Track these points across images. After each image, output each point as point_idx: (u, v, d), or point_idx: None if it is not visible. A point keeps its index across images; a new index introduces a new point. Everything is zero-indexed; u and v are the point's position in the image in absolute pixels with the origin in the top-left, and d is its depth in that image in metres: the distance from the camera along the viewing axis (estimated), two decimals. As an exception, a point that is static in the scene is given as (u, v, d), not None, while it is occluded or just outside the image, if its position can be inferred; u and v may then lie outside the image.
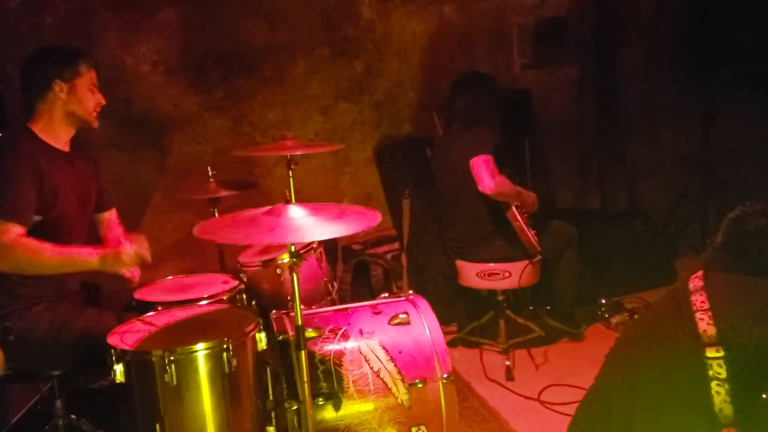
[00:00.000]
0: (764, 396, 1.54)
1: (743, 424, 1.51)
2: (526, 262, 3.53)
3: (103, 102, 2.65)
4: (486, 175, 3.37)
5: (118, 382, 2.06)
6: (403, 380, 2.29)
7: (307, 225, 1.96)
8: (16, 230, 2.32)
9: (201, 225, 2.04)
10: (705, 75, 4.60)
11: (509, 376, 3.48)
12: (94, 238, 2.82)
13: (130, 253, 2.39)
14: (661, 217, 4.89)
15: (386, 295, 2.68)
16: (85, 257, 2.39)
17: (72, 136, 2.64)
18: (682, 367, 1.59)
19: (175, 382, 2.00)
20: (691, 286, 1.70)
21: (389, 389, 2.28)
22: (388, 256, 4.50)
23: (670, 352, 1.64)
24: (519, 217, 3.45)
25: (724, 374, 1.52)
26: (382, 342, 2.34)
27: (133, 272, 2.62)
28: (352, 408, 2.25)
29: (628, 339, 1.89)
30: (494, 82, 3.73)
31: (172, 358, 2.00)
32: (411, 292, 2.63)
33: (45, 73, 2.53)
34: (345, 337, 2.35)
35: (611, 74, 4.90)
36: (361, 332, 2.37)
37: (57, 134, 2.58)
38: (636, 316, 3.88)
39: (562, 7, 4.82)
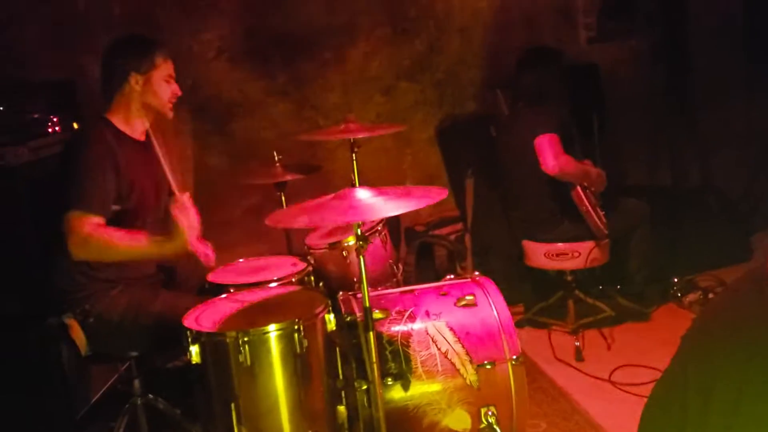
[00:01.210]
0: None
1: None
2: (593, 242, 3.46)
3: (179, 93, 2.69)
4: (550, 155, 3.31)
5: (193, 362, 2.12)
6: (471, 361, 2.29)
7: (375, 204, 1.97)
8: (95, 221, 2.39)
9: (272, 215, 2.07)
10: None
11: (579, 356, 3.43)
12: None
13: (178, 215, 2.39)
14: (735, 193, 4.71)
15: (451, 276, 2.67)
16: (156, 242, 2.44)
17: (147, 126, 2.70)
18: (763, 351, 1.53)
19: (248, 363, 2.05)
20: (771, 267, 1.63)
21: (458, 370, 2.28)
22: (452, 237, 4.48)
23: (750, 336, 1.58)
24: (585, 199, 3.36)
25: (808, 356, 1.46)
26: (449, 323, 2.34)
27: (208, 254, 2.65)
28: (421, 388, 2.26)
29: (705, 321, 1.83)
30: (561, 58, 3.63)
31: (245, 339, 2.04)
32: (477, 273, 2.62)
33: (122, 65, 2.58)
34: (412, 318, 2.35)
35: (681, 47, 4.72)
36: (427, 314, 2.37)
37: (133, 124, 2.65)
38: (712, 296, 3.77)
39: (629, -23, 4.66)
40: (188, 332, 2.12)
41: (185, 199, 2.45)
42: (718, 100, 4.79)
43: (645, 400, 1.88)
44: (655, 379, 1.95)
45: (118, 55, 2.62)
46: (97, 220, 2.40)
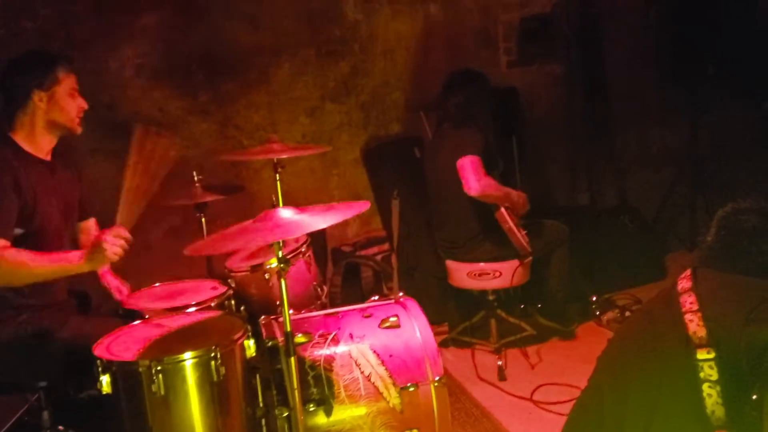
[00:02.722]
0: (754, 397, 1.53)
1: (735, 426, 1.50)
2: (516, 262, 3.51)
3: (85, 106, 2.59)
4: (472, 177, 3.34)
5: (105, 393, 2.03)
6: (394, 384, 2.27)
7: (296, 221, 1.95)
8: (0, 244, 2.29)
9: (192, 246, 2.02)
10: (691, 71, 4.62)
11: (501, 375, 3.47)
12: (76, 248, 2.78)
13: (109, 239, 2.28)
14: (651, 214, 4.90)
15: (376, 297, 2.66)
16: (70, 260, 2.34)
17: (54, 144, 2.60)
18: (674, 370, 1.58)
19: (162, 392, 1.98)
20: (679, 286, 1.68)
21: (381, 393, 2.26)
22: (378, 257, 4.48)
23: (661, 354, 1.63)
24: (508, 219, 3.42)
25: (715, 376, 1.50)
26: (373, 346, 2.32)
27: (122, 290, 2.58)
28: (344, 413, 2.24)
29: (620, 340, 1.88)
30: (487, 81, 3.69)
31: (159, 368, 1.97)
32: (401, 294, 2.61)
33: (22, 83, 2.48)
34: (335, 341, 2.33)
35: (598, 71, 4.90)
36: (351, 336, 2.35)
37: (39, 143, 2.54)
38: (627, 315, 3.88)
39: (548, 4, 4.81)
40: (99, 361, 2.03)
41: (122, 232, 2.34)
42: (634, 122, 4.99)
43: (565, 418, 1.91)
44: (574, 397, 1.98)
45: (17, 73, 2.51)
46: (2, 243, 2.29)
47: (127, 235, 2.35)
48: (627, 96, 4.92)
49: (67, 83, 2.53)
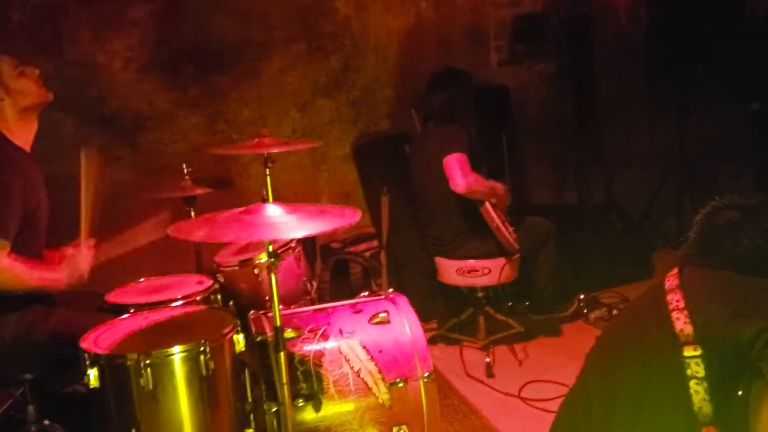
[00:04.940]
0: (740, 393, 1.55)
1: (722, 422, 1.51)
2: (504, 259, 3.53)
3: (37, 71, 2.53)
4: (458, 174, 3.37)
5: (92, 387, 2.02)
6: (383, 380, 2.28)
7: (286, 223, 1.94)
8: (5, 251, 2.30)
9: (176, 225, 2.00)
10: (679, 70, 4.65)
11: (489, 372, 3.48)
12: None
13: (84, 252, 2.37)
14: (638, 212, 4.92)
15: (366, 293, 2.66)
16: (55, 284, 2.41)
17: (36, 130, 2.56)
18: (661, 367, 1.59)
19: (151, 386, 1.97)
20: (666, 285, 1.70)
21: (370, 389, 2.26)
22: (367, 254, 4.47)
23: (649, 351, 1.64)
24: (494, 215, 3.43)
25: (702, 373, 1.52)
26: (363, 341, 2.32)
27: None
28: (333, 408, 2.24)
29: (607, 338, 1.89)
30: (470, 80, 3.73)
31: (147, 361, 1.96)
32: (391, 290, 2.61)
33: None
34: (325, 337, 2.32)
35: (587, 70, 4.92)
36: (341, 332, 2.35)
37: (25, 135, 2.52)
38: (615, 313, 3.90)
39: (538, 3, 4.82)
40: (86, 355, 2.02)
41: (91, 242, 2.41)
42: (622, 122, 5.01)
43: (553, 415, 1.92)
44: (562, 394, 2.00)
45: None
46: (6, 248, 2.29)
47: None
48: (616, 95, 4.94)
49: (7, 69, 2.46)
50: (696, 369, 1.53)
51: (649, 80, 4.91)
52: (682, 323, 1.59)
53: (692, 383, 1.52)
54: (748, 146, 4.79)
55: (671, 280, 1.71)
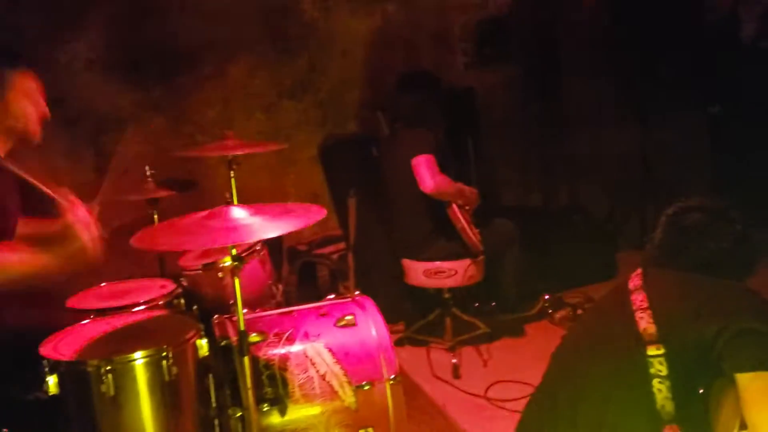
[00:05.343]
0: (701, 391, 1.58)
1: (684, 420, 1.53)
2: (469, 260, 3.55)
3: (48, 115, 2.38)
4: (427, 175, 3.40)
5: (52, 394, 1.97)
6: (349, 383, 2.26)
7: (250, 225, 1.92)
8: None
9: (139, 234, 1.97)
10: (643, 74, 4.73)
11: (456, 374, 3.49)
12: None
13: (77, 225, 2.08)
14: (601, 213, 4.99)
15: (332, 296, 2.65)
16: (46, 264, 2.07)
17: (10, 148, 2.37)
18: (625, 366, 1.61)
19: (112, 393, 1.93)
20: (630, 285, 1.72)
21: (336, 392, 2.25)
22: (335, 256, 4.46)
23: (613, 351, 1.66)
24: (460, 216, 3.47)
25: (665, 371, 1.54)
26: (328, 344, 2.31)
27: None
28: (299, 412, 2.22)
29: (573, 337, 1.91)
30: (439, 83, 3.77)
31: (108, 367, 1.92)
32: (357, 292, 2.60)
33: None
34: (290, 340, 2.31)
35: (552, 73, 4.97)
36: (306, 335, 2.33)
37: None
38: (580, 313, 3.95)
39: (503, 7, 4.86)
40: (45, 361, 1.97)
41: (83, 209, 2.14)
42: (587, 124, 5.07)
43: (519, 415, 1.93)
44: (528, 394, 2.01)
45: None
46: None
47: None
48: (580, 99, 5.00)
49: (22, 86, 2.31)
50: (659, 368, 1.55)
51: (614, 84, 4.98)
52: (645, 323, 1.61)
53: (655, 382, 1.54)
54: (708, 149, 4.88)
55: (635, 281, 1.73)
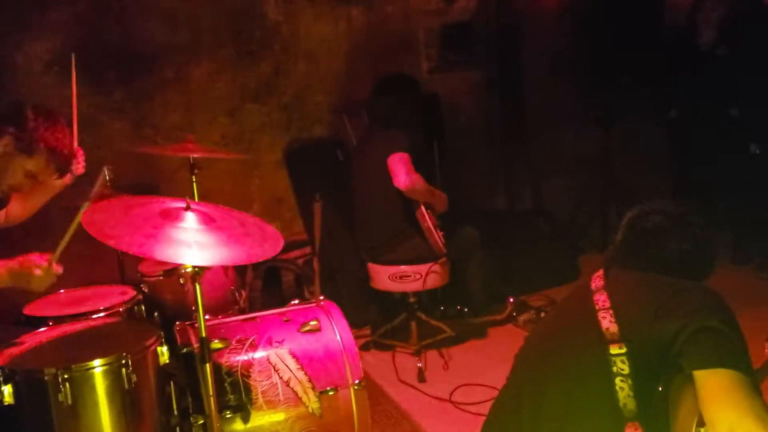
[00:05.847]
0: (660, 388, 1.60)
1: (645, 418, 1.55)
2: (434, 264, 3.56)
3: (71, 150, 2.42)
4: (402, 171, 3.42)
5: (6, 403, 1.92)
6: (313, 388, 2.25)
7: (201, 243, 1.88)
8: None
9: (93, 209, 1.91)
10: (604, 80, 4.80)
11: (421, 377, 3.49)
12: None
13: (44, 266, 2.16)
14: (565, 217, 5.05)
15: (296, 301, 2.63)
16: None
17: None
18: (588, 365, 1.62)
19: (70, 402, 1.89)
20: (593, 285, 1.74)
21: (300, 398, 2.23)
22: (300, 261, 4.43)
23: (576, 350, 1.68)
24: (427, 218, 3.49)
25: (627, 370, 1.56)
26: (292, 350, 2.29)
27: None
28: (262, 419, 2.20)
29: (536, 337, 1.92)
30: (417, 86, 3.80)
31: (66, 376, 1.88)
32: (322, 297, 2.59)
33: None
34: (253, 347, 2.28)
35: (515, 79, 5.02)
36: (270, 341, 2.31)
37: None
38: (543, 315, 3.98)
39: (467, 12, 4.89)
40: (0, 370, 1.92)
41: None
42: (549, 129, 5.13)
43: (483, 418, 1.93)
44: (492, 397, 2.01)
45: None
46: None
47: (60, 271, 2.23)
48: (543, 103, 5.06)
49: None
50: (621, 366, 1.56)
51: (576, 89, 5.05)
52: (608, 322, 1.62)
53: (617, 380, 1.56)
54: (669, 151, 4.98)
55: (597, 281, 1.75)
